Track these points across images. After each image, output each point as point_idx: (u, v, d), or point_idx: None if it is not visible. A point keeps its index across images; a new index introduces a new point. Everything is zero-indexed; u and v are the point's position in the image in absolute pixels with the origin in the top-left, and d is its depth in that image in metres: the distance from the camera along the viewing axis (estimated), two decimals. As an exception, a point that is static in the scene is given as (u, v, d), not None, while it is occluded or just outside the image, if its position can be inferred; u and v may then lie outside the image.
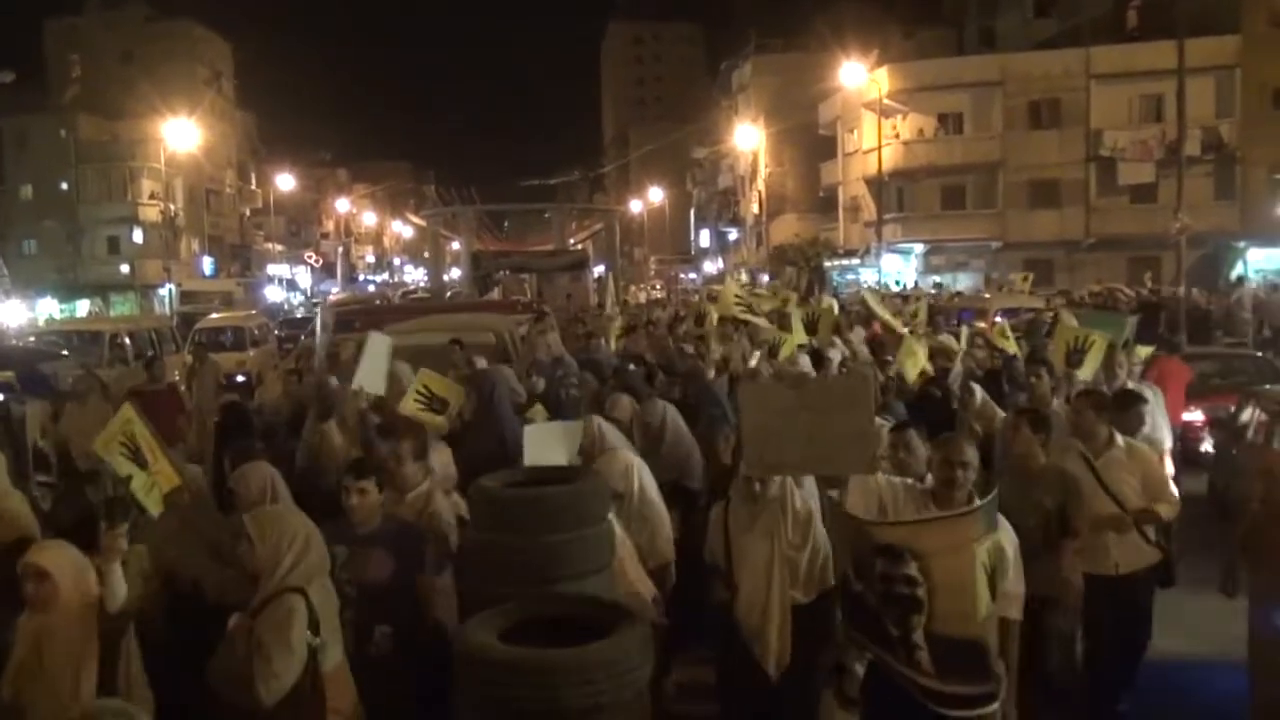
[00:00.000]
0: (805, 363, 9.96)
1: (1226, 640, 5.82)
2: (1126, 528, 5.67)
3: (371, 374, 7.76)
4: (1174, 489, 5.85)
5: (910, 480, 4.82)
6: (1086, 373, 8.36)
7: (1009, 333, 12.07)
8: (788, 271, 48.01)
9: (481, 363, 9.56)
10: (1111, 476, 5.71)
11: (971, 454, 4.54)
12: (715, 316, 14.19)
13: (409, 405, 7.70)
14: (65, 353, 16.91)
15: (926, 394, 8.77)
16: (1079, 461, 5.77)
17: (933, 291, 32.70)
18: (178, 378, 14.39)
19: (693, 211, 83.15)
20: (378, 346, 8.12)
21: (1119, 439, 5.86)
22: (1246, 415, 9.78)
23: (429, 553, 4.84)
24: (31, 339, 21.67)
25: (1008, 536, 4.35)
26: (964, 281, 42.96)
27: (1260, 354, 16.11)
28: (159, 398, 10.87)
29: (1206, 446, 10.62)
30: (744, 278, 56.58)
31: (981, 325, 16.33)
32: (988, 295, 26.78)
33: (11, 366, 13.56)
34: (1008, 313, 19.67)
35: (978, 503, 4.13)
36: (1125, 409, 6.59)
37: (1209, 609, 6.06)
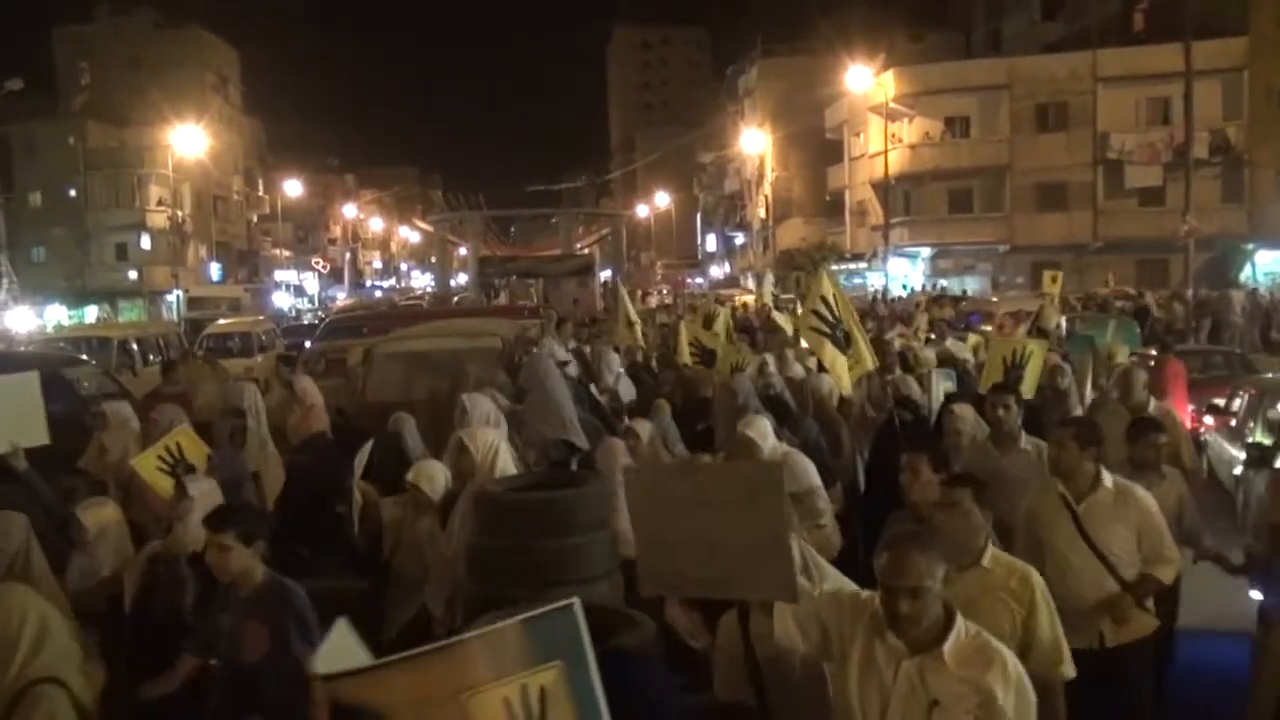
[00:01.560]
0: (799, 371, 9.51)
1: (1213, 612, 5.66)
2: (1113, 595, 4.68)
3: (19, 424, 6.28)
4: (1173, 545, 4.86)
5: (869, 593, 3.33)
6: (1028, 389, 7.45)
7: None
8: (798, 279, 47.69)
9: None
10: (1096, 524, 4.73)
11: (926, 570, 3.02)
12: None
13: (146, 465, 6.37)
14: (84, 357, 16.91)
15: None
16: (1058, 506, 4.83)
17: (935, 294, 32.57)
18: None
19: (699, 216, 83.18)
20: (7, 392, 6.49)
21: (1107, 479, 4.83)
22: (1238, 403, 10.87)
23: (307, 618, 3.96)
24: (30, 346, 21.72)
25: (1006, 679, 3.03)
26: (971, 285, 42.93)
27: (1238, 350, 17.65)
28: (174, 401, 10.90)
29: (1203, 436, 11.17)
30: (750, 283, 56.63)
31: (989, 329, 16.19)
32: (995, 299, 26.69)
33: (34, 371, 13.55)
34: (1015, 316, 19.58)
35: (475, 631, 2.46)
36: (1135, 439, 5.68)
37: (1203, 584, 5.89)
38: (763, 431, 6.01)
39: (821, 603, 3.39)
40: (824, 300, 8.25)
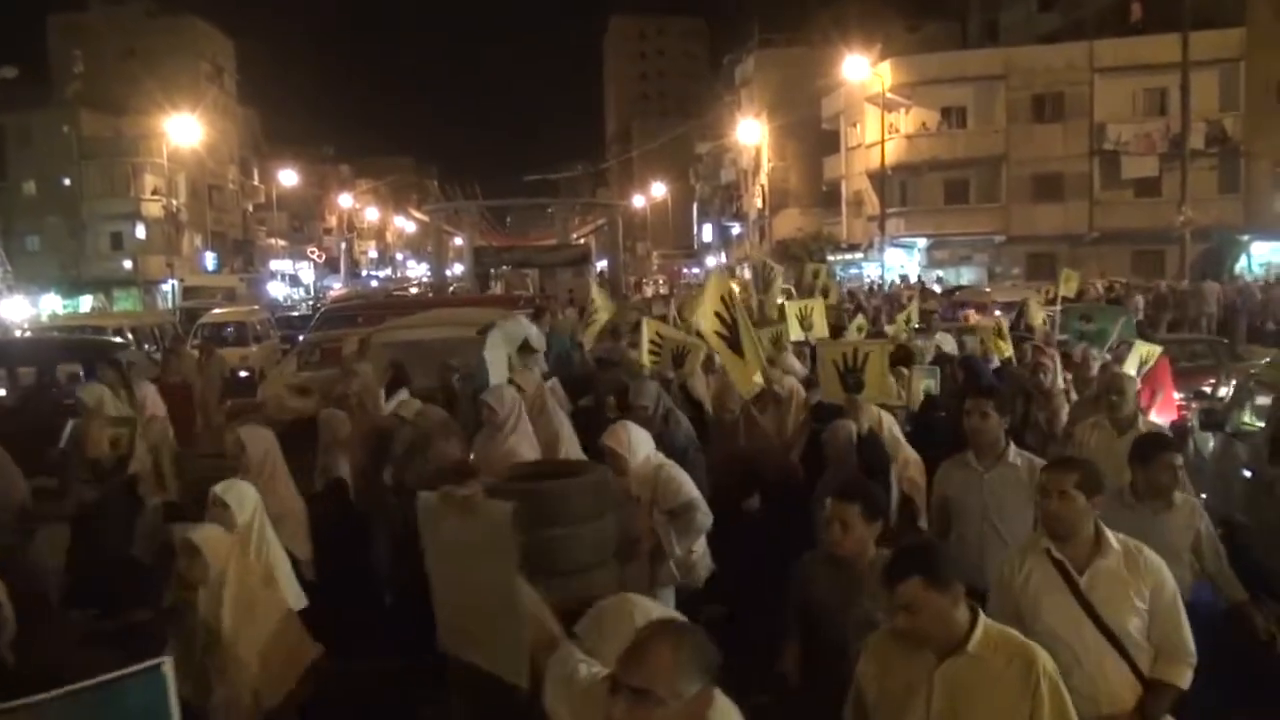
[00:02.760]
0: (795, 365, 8.87)
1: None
2: (1125, 696, 3.67)
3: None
4: (1190, 636, 3.76)
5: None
6: (875, 393, 6.48)
7: (1005, 332, 10.33)
8: (811, 266, 47.46)
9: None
10: (1104, 599, 3.69)
11: (669, 675, 2.29)
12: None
13: None
14: (119, 340, 17.05)
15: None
16: (1048, 574, 3.77)
17: (932, 285, 32.47)
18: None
19: (695, 206, 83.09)
20: None
21: (1112, 539, 3.78)
22: (1224, 390, 10.83)
23: None
24: (27, 333, 21.73)
25: None
26: (968, 275, 42.93)
27: (1224, 340, 17.58)
28: (175, 391, 10.96)
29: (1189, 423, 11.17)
30: (747, 274, 56.63)
31: (976, 318, 16.02)
32: (988, 289, 26.65)
33: (84, 357, 13.77)
34: (1009, 307, 19.45)
35: None
36: (1147, 460, 4.71)
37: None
38: (627, 440, 5.35)
39: (591, 691, 2.63)
40: (723, 301, 8.03)
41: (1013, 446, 5.16)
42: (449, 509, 3.10)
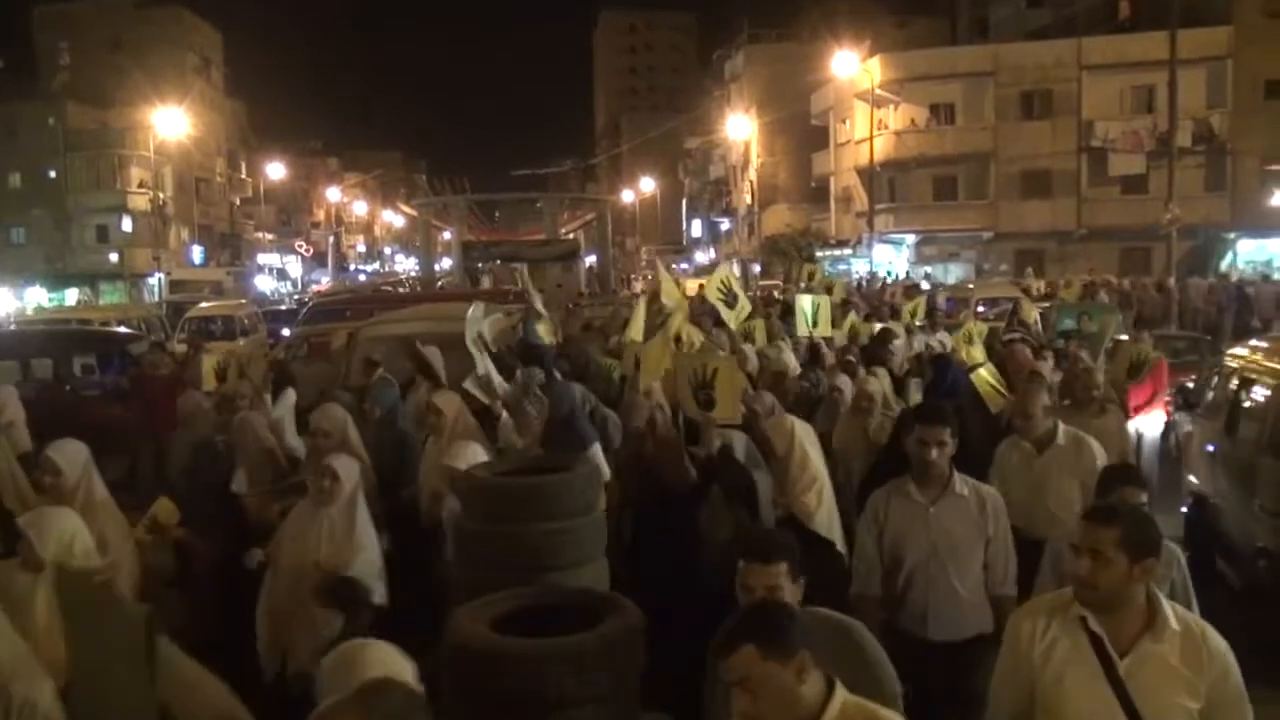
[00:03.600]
0: (790, 361, 8.78)
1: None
2: None
3: None
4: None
5: None
6: (726, 411, 5.92)
7: (975, 337, 9.91)
8: (807, 268, 47.62)
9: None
10: (1150, 691, 2.92)
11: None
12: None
13: None
14: (133, 331, 17.12)
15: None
16: (1083, 651, 2.99)
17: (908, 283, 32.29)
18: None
19: (685, 201, 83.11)
20: None
21: (1171, 617, 2.95)
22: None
23: None
24: (12, 326, 21.71)
25: None
26: (956, 272, 43.01)
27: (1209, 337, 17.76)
28: (162, 383, 10.96)
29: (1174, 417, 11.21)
30: (735, 269, 56.65)
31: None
32: (971, 285, 26.54)
33: (95, 348, 13.81)
34: (990, 304, 19.37)
35: None
36: (1104, 495, 4.17)
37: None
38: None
39: None
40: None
41: (957, 474, 4.46)
42: (85, 589, 2.58)
